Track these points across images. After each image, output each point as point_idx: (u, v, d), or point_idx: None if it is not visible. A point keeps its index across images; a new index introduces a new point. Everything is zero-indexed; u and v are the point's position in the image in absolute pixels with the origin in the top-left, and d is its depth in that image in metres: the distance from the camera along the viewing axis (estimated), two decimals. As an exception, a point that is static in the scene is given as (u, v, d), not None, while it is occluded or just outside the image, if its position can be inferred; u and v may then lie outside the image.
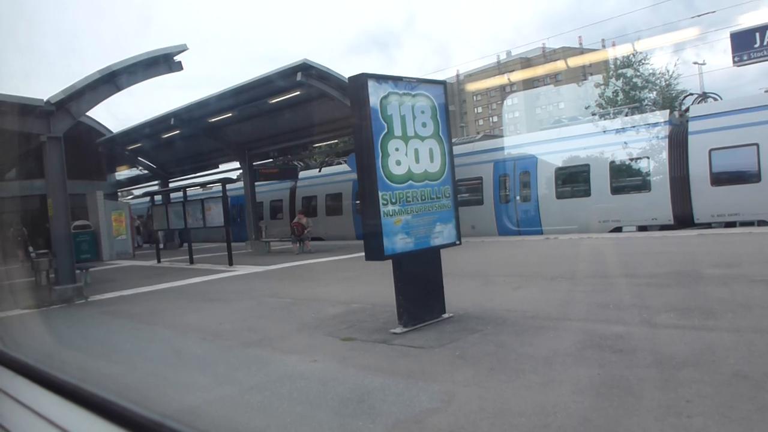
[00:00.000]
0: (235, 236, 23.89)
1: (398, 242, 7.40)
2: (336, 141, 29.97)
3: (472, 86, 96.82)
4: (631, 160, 18.80)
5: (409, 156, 7.57)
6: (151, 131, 24.82)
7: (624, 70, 32.63)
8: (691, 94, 25.19)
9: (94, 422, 1.38)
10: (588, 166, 19.31)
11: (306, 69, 17.16)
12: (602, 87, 34.13)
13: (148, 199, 27.26)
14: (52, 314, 11.88)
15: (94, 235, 23.66)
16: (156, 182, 33.14)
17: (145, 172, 33.19)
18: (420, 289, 7.77)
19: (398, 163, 7.42)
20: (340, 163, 28.99)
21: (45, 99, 13.68)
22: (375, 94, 7.23)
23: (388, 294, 7.83)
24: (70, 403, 1.53)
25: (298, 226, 21.60)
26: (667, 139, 17.91)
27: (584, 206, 19.15)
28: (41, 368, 1.82)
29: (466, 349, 6.34)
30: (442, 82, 8.39)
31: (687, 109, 19.73)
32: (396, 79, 7.61)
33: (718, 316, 6.80)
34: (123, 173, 35.26)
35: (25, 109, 13.67)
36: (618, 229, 18.31)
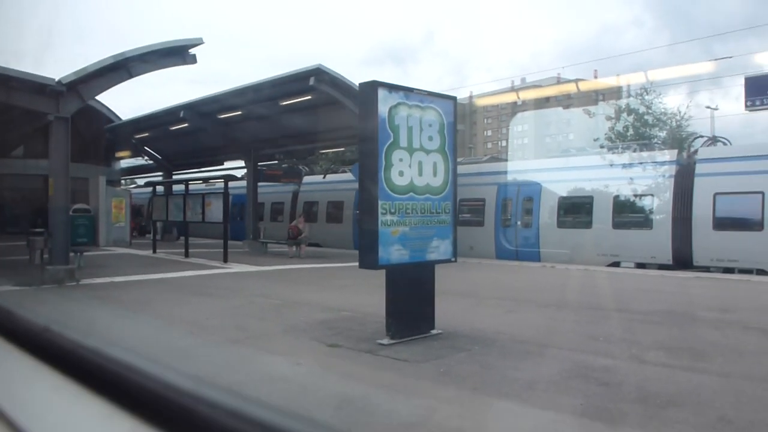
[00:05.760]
0: (234, 234, 23.82)
1: (393, 253, 7.34)
2: (343, 149, 29.98)
3: (482, 101, 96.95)
4: (635, 196, 18.74)
5: (413, 168, 7.52)
6: (159, 122, 24.87)
7: (636, 107, 32.62)
8: (701, 137, 25.18)
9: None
10: (592, 198, 19.25)
11: (319, 74, 17.17)
12: (613, 121, 34.10)
13: (149, 188, 27.25)
14: (40, 293, 11.80)
15: (92, 219, 23.46)
16: (160, 173, 33.14)
17: (150, 162, 33.21)
18: (411, 303, 7.68)
19: (401, 173, 7.37)
20: (345, 172, 28.98)
21: (57, 79, 13.72)
22: (384, 103, 7.20)
23: (379, 305, 7.75)
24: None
25: (294, 230, 21.56)
26: (672, 179, 17.86)
27: (584, 238, 19.06)
28: None
29: (452, 366, 6.27)
30: (453, 98, 8.35)
31: (695, 151, 19.71)
32: (407, 90, 7.59)
33: (709, 359, 6.71)
34: (128, 161, 35.31)
35: (36, 87, 13.73)
36: (616, 264, 18.22)
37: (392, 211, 7.30)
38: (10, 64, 13.67)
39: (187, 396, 0.68)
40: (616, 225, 18.64)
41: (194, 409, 0.65)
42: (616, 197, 18.85)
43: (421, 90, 7.82)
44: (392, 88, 7.41)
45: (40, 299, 11.07)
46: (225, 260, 17.97)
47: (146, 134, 28.15)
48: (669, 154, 19.27)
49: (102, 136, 27.37)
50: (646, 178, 18.47)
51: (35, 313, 1.23)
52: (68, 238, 14.30)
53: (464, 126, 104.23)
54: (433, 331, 7.83)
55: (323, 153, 32.14)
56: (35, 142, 22.65)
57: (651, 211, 18.29)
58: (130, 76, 14.55)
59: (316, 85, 17.26)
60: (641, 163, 18.92)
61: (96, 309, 10.42)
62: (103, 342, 0.91)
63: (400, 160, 7.37)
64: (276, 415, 0.62)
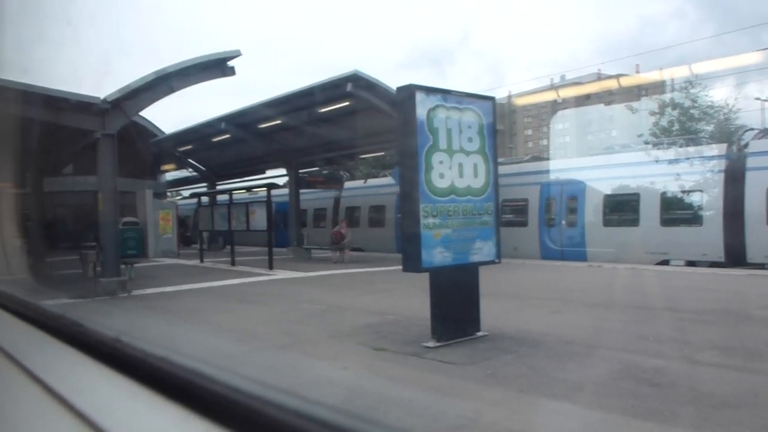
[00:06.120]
0: (278, 241, 24.11)
1: (436, 255, 7.34)
2: (382, 153, 30.06)
3: (521, 101, 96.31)
4: (684, 192, 18.28)
5: (453, 170, 7.51)
6: (201, 134, 25.34)
7: (681, 101, 31.89)
8: (752, 129, 24.40)
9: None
10: (638, 195, 18.85)
11: (356, 80, 17.27)
12: (657, 116, 33.34)
13: (193, 200, 27.81)
14: (94, 305, 12.16)
15: (140, 232, 24.19)
16: (204, 184, 33.77)
17: (194, 173, 33.85)
18: (455, 305, 7.66)
19: (441, 176, 7.37)
20: (385, 176, 29.04)
21: (102, 97, 14.12)
22: (422, 106, 7.22)
23: (424, 308, 7.75)
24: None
25: (337, 235, 21.72)
26: (722, 174, 17.34)
27: (632, 236, 18.66)
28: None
29: (498, 368, 6.22)
30: (491, 98, 8.32)
31: (746, 145, 19.13)
32: (445, 92, 7.59)
33: (765, 359, 6.53)
34: (172, 174, 36.05)
35: (83, 106, 14.14)
36: (665, 262, 17.79)
37: (434, 213, 7.31)
38: (72, 88, 14.17)
39: (256, 399, 0.71)
40: (665, 222, 18.21)
41: (263, 411, 0.69)
42: (664, 194, 18.41)
43: (459, 91, 7.81)
44: (430, 90, 7.43)
45: (95, 311, 11.40)
46: (270, 267, 18.21)
47: (189, 147, 28.73)
48: (717, 149, 18.75)
49: (147, 151, 28.00)
50: (694, 173, 17.99)
51: (102, 325, 1.29)
52: (119, 251, 14.70)
53: (503, 126, 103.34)
54: (479, 333, 7.80)
55: (363, 158, 32.27)
56: (83, 159, 23.32)
57: (701, 208, 17.79)
58: (172, 90, 14.86)
59: (353, 90, 17.36)
60: (689, 159, 18.44)
61: (148, 318, 10.67)
62: (171, 351, 0.96)
63: (440, 162, 7.37)
64: (341, 416, 0.64)
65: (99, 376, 1.07)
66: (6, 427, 0.92)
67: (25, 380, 1.12)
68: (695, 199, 18.07)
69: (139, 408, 0.89)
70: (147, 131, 26.93)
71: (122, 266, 15.14)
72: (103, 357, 1.11)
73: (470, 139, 7.72)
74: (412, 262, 7.33)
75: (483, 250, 7.94)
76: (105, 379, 1.04)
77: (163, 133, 27.94)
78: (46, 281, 15.59)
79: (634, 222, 18.87)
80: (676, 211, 18.42)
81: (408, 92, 7.28)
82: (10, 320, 1.70)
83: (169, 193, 38.22)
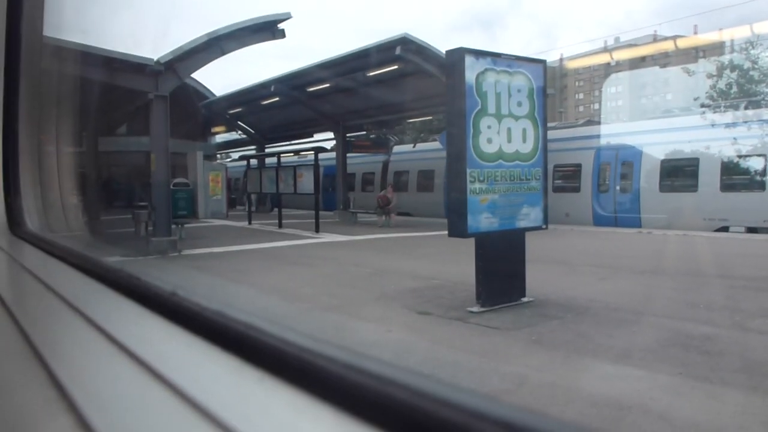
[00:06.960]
0: (325, 205, 24.30)
1: (483, 221, 7.32)
2: (430, 118, 29.82)
3: (573, 64, 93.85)
4: (743, 157, 17.65)
5: (501, 135, 7.43)
6: (251, 97, 25.54)
7: (741, 62, 30.61)
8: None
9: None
10: (697, 160, 18.27)
11: (405, 43, 17.09)
12: (715, 78, 32.09)
13: (241, 162, 28.12)
14: (146, 263, 12.53)
15: (191, 193, 24.61)
16: (253, 147, 34.13)
17: (243, 136, 34.22)
18: (501, 270, 7.64)
19: (489, 141, 7.30)
20: (434, 141, 28.86)
21: (155, 59, 14.35)
22: (471, 70, 7.12)
23: (469, 273, 7.75)
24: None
25: (383, 199, 21.82)
26: None
27: (690, 202, 18.14)
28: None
29: (543, 334, 6.21)
30: (542, 62, 8.15)
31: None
32: (495, 56, 7.47)
33: (822, 328, 6.33)
34: (222, 136, 36.53)
35: (136, 67, 14.42)
36: (724, 229, 17.27)
37: (481, 179, 7.26)
38: (131, 50, 14.49)
39: (306, 351, 0.75)
40: (724, 188, 17.64)
41: (314, 363, 0.72)
42: (724, 158, 17.83)
43: (509, 55, 7.68)
44: (479, 54, 7.32)
45: (146, 269, 11.73)
46: (317, 230, 18.42)
47: (239, 109, 29.03)
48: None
49: (198, 113, 28.39)
50: (754, 137, 17.34)
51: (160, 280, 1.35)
52: (170, 211, 15.05)
53: (554, 90, 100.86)
54: (524, 299, 7.78)
55: (411, 122, 32.11)
56: (137, 120, 23.82)
57: (763, 173, 17.17)
58: (223, 53, 15.03)
59: (402, 54, 17.19)
60: (749, 122, 17.77)
61: (197, 278, 10.95)
62: (225, 305, 1.00)
63: (489, 127, 7.29)
64: (388, 368, 0.67)
65: (157, 326, 1.13)
66: (71, 372, 0.98)
67: (87, 328, 1.18)
68: (756, 164, 17.44)
69: (195, 356, 0.94)
70: (198, 93, 27.28)
71: (173, 226, 15.49)
72: (159, 309, 1.17)
73: (519, 104, 7.60)
74: (457, 227, 7.33)
75: (530, 216, 7.88)
76: (162, 329, 1.10)
77: (214, 95, 28.26)
78: (100, 239, 16.12)
79: (692, 187, 18.34)
80: (737, 176, 17.84)
81: (457, 56, 7.19)
82: (71, 272, 1.79)
83: (218, 155, 38.79)
